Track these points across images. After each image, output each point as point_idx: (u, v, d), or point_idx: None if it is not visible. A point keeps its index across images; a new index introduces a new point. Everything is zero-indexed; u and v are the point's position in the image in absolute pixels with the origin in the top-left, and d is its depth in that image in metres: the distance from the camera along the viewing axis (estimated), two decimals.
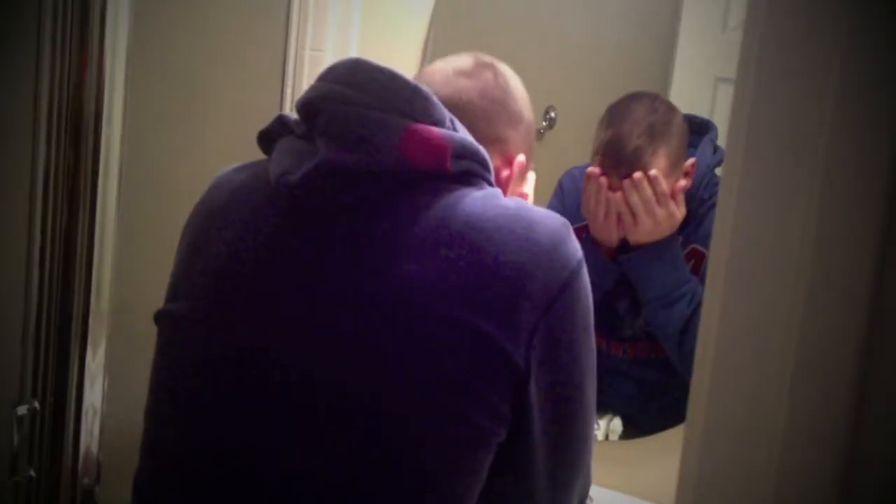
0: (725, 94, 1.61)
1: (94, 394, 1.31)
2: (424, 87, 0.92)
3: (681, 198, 1.43)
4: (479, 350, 0.84)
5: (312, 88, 0.94)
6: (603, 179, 1.43)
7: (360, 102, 0.89)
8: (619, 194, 1.42)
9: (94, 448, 1.32)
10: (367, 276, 0.86)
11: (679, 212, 1.44)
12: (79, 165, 1.24)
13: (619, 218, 1.44)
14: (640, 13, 1.71)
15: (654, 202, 1.41)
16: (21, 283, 1.26)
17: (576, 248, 0.90)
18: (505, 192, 1.03)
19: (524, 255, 0.86)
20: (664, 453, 1.45)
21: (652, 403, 1.61)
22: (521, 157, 1.05)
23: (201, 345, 0.92)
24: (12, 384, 1.27)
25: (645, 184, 1.40)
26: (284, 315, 0.88)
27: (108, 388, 1.32)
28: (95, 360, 1.31)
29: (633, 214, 1.42)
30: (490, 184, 0.95)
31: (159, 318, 0.99)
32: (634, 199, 1.41)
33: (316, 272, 0.88)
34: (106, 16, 1.23)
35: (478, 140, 0.96)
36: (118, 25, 1.25)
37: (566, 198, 1.59)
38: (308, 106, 0.92)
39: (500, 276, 0.85)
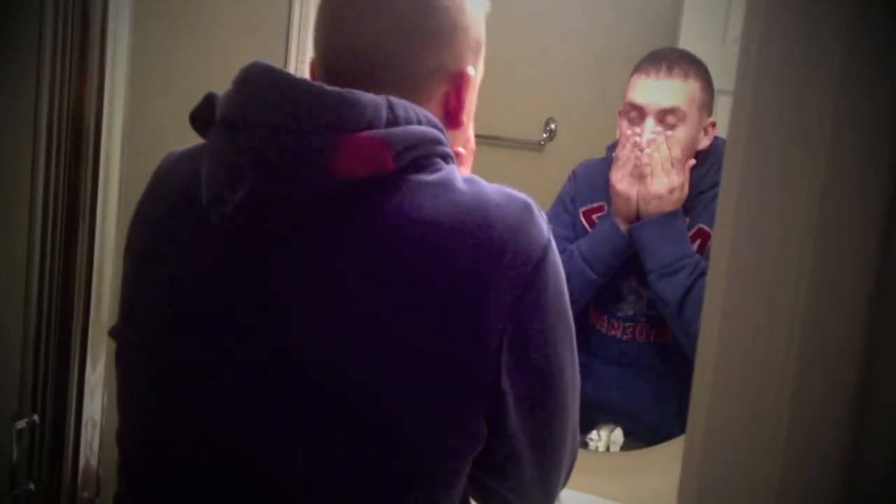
0: (725, 107, 1.61)
1: (93, 407, 1.31)
2: (348, 93, 0.82)
3: (687, 175, 1.58)
4: (445, 375, 0.80)
5: (228, 101, 0.86)
6: (638, 139, 1.57)
7: (282, 124, 0.81)
8: (642, 154, 1.57)
9: (94, 461, 1.32)
10: (318, 308, 0.81)
11: (686, 186, 1.58)
12: (79, 179, 1.24)
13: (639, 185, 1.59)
14: (639, 25, 1.72)
15: (670, 162, 1.56)
16: (21, 297, 1.26)
17: (540, 231, 0.84)
18: (459, 117, 0.95)
19: (481, 261, 0.80)
20: (665, 464, 1.45)
21: (647, 391, 1.64)
22: (469, 70, 0.94)
23: (159, 371, 0.89)
24: (12, 398, 1.27)
25: (663, 143, 1.55)
26: (230, 341, 0.84)
27: (108, 401, 1.32)
28: (95, 374, 1.30)
29: (652, 173, 1.58)
30: (447, 155, 0.87)
31: (113, 335, 0.96)
32: (655, 155, 1.56)
33: (263, 300, 0.84)
34: (106, 31, 1.23)
35: (414, 81, 0.90)
36: (118, 41, 1.25)
37: (578, 183, 1.71)
38: (227, 121, 0.85)
39: (458, 290, 0.80)
